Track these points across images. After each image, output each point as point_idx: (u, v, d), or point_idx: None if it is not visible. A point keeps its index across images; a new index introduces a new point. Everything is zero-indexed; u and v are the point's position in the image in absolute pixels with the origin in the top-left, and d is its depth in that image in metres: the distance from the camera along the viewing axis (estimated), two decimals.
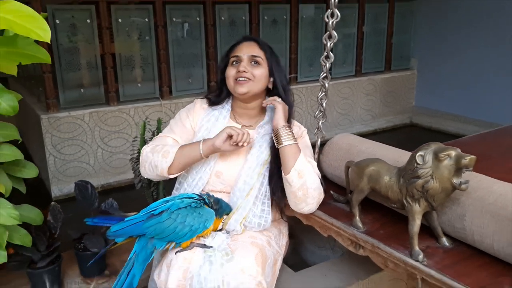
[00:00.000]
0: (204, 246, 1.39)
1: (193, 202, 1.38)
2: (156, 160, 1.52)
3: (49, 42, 1.11)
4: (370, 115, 5.31)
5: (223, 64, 1.64)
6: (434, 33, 5.32)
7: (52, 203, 1.90)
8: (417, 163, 1.19)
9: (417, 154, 1.19)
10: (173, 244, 1.37)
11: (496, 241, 1.14)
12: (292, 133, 1.49)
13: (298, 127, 1.66)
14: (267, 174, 1.55)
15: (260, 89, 1.59)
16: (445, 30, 5.16)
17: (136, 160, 2.06)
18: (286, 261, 1.78)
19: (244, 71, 1.54)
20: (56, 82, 3.41)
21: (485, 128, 4.83)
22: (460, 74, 5.12)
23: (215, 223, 1.42)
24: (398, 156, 1.50)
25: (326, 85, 1.64)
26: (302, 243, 2.14)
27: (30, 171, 1.62)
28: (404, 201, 1.25)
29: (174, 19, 3.82)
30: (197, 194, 1.44)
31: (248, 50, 1.57)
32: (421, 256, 1.21)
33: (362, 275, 1.69)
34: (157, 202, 1.41)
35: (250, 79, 1.55)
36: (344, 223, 1.45)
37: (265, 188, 1.54)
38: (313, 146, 1.73)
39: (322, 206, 1.57)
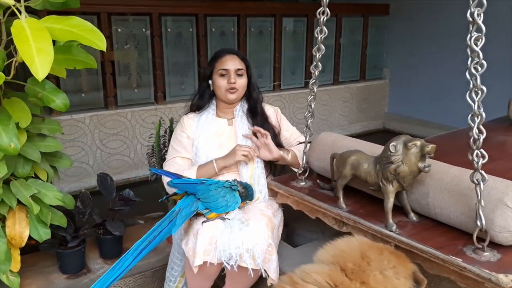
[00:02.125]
0: (223, 218, 1.74)
1: (233, 185, 1.77)
2: None
3: (105, 51, 1.40)
4: (347, 121, 5.70)
5: (208, 71, 2.03)
6: (404, 46, 5.77)
7: (83, 190, 2.16)
8: (390, 151, 1.52)
9: (390, 144, 1.53)
10: (207, 211, 1.69)
11: (452, 212, 1.48)
12: (286, 150, 2.03)
13: (272, 110, 2.15)
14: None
15: (243, 93, 2.03)
16: (414, 43, 5.61)
17: (151, 155, 2.34)
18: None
19: (234, 83, 1.95)
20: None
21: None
22: (428, 83, 5.55)
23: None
24: (374, 148, 1.82)
25: (315, 89, 1.97)
26: (295, 229, 2.44)
27: (65, 162, 1.89)
28: (380, 183, 1.57)
29: (169, 29, 4.11)
30: (229, 181, 1.81)
31: (233, 63, 1.98)
32: (394, 227, 1.53)
33: None
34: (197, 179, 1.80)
35: (237, 89, 1.97)
36: (330, 205, 1.77)
37: (260, 164, 2.00)
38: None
39: (311, 193, 1.90)
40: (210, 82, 2.03)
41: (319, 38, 1.88)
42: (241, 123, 2.04)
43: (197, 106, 2.07)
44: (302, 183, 1.98)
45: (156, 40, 4.02)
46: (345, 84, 5.60)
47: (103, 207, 2.32)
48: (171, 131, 2.39)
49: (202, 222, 1.72)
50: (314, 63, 1.91)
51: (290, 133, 2.15)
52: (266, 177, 2.02)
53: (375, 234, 1.60)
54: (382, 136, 5.90)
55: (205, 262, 1.64)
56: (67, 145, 3.68)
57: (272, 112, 2.14)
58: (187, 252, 1.70)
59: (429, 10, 5.32)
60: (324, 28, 1.88)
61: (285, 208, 2.07)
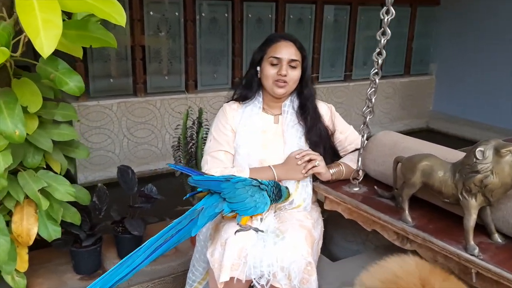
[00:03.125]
0: (257, 229, 1.48)
1: (263, 185, 1.51)
2: None
3: (124, 26, 1.16)
4: (388, 118, 5.33)
5: (258, 57, 1.73)
6: (455, 40, 5.33)
7: (99, 184, 1.94)
8: (477, 158, 1.21)
9: (477, 150, 1.22)
10: (235, 214, 1.48)
11: None
12: (337, 167, 1.72)
13: (326, 107, 1.83)
14: None
15: (294, 88, 1.72)
16: (466, 37, 5.17)
17: (177, 148, 2.10)
18: None
19: (285, 75, 1.66)
20: (87, 71, 3.45)
21: (503, 135, 4.86)
22: (479, 81, 5.13)
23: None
24: (446, 153, 1.52)
25: (377, 81, 1.66)
26: (331, 238, 2.16)
27: (82, 152, 1.66)
28: (460, 196, 1.27)
29: (203, 14, 3.86)
30: (257, 180, 1.53)
31: (288, 52, 1.67)
32: (476, 251, 1.23)
33: None
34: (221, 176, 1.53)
35: (287, 82, 1.67)
36: (392, 217, 1.48)
37: None
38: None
39: (367, 201, 1.61)
40: (258, 69, 1.74)
41: (386, 20, 1.57)
42: (290, 121, 1.75)
43: (242, 96, 1.78)
44: (356, 189, 1.70)
45: (189, 25, 3.79)
46: (388, 78, 5.22)
47: (123, 201, 2.11)
48: (200, 123, 2.13)
49: (236, 232, 1.46)
50: (378, 49, 1.60)
51: (345, 136, 1.85)
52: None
53: (450, 257, 1.30)
54: (425, 135, 5.50)
55: (232, 278, 1.40)
56: (93, 132, 3.49)
57: (325, 110, 1.83)
58: (212, 263, 1.45)
59: (487, 1, 4.86)
60: (392, 8, 1.57)
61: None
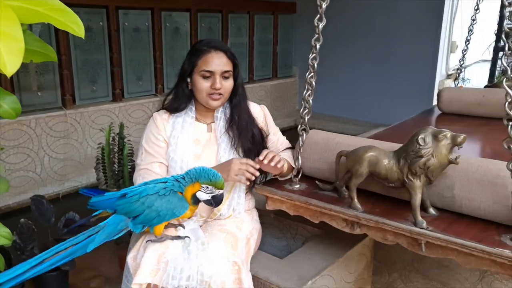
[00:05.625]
0: (178, 237, 1.46)
1: (162, 190, 1.40)
2: None
3: (84, 38, 1.04)
4: None
5: (189, 69, 1.69)
6: (310, 44, 5.87)
7: (22, 220, 1.66)
8: (420, 145, 1.40)
9: (419, 137, 1.41)
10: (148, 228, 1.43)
11: (483, 202, 1.42)
12: (284, 164, 1.69)
13: (258, 108, 1.87)
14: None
15: (228, 97, 1.72)
16: (322, 42, 5.75)
17: (102, 169, 1.91)
18: None
19: (220, 88, 1.65)
20: None
21: (362, 126, 5.55)
22: (338, 80, 5.72)
23: (192, 210, 1.45)
24: (373, 144, 1.71)
25: (313, 83, 1.78)
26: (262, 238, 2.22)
27: (1, 186, 1.41)
28: (405, 179, 1.45)
29: None
30: (176, 177, 1.43)
31: (220, 64, 1.66)
32: (425, 224, 1.42)
33: (338, 254, 1.85)
34: (135, 186, 1.46)
35: (222, 94, 1.67)
36: (343, 207, 1.60)
37: None
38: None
39: (313, 195, 1.71)
40: (188, 80, 1.70)
41: (320, 26, 1.69)
42: (222, 128, 1.74)
43: (173, 108, 1.73)
44: (297, 186, 1.78)
45: (61, 34, 3.45)
46: (260, 82, 5.51)
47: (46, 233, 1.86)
48: (121, 138, 1.99)
49: (147, 241, 1.43)
50: (313, 54, 1.72)
51: (277, 137, 1.92)
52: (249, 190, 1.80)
53: (400, 233, 1.47)
54: (295, 133, 5.91)
55: (148, 284, 1.37)
56: None
57: (258, 111, 1.87)
58: (133, 268, 1.42)
59: (335, 10, 5.46)
60: (323, 16, 1.70)
61: None
